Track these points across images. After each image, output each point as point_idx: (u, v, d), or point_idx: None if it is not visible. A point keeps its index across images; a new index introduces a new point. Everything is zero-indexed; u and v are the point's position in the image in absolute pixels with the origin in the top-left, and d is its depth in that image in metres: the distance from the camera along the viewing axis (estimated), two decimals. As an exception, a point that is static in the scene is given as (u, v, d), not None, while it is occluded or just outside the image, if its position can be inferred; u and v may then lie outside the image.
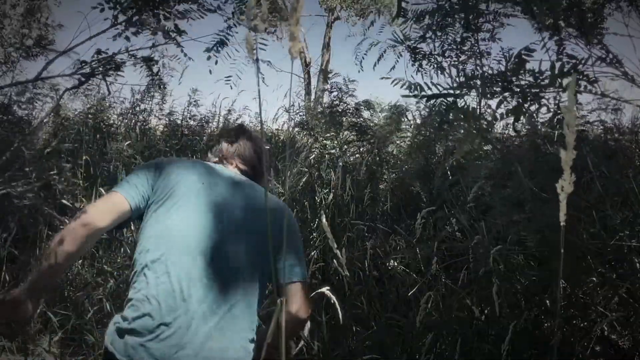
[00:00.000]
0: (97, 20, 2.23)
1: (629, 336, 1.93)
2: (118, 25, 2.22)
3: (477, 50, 2.33)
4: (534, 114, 1.79)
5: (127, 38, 2.25)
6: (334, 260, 3.18)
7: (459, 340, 1.98)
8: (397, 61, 2.65)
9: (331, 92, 5.35)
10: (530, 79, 1.67)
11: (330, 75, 5.51)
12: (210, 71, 2.56)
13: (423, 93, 1.72)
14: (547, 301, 2.22)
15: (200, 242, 1.21)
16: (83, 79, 2.39)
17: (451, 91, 1.72)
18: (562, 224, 0.54)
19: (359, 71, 3.31)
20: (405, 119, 5.43)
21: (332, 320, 2.66)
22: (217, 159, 1.49)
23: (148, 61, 2.50)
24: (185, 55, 2.64)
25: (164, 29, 2.27)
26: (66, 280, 3.09)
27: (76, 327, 2.70)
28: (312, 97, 10.51)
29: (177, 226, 1.21)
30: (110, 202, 1.24)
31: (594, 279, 2.15)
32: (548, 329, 2.14)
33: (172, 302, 1.14)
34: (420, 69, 2.57)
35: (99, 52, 2.32)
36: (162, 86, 2.69)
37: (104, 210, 1.21)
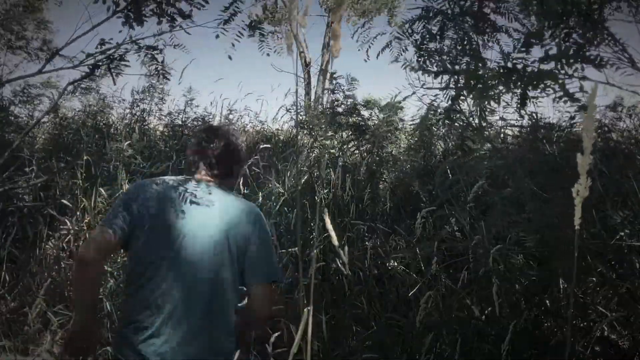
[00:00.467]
0: (99, 11, 2.21)
1: (629, 336, 1.93)
2: (120, 13, 2.19)
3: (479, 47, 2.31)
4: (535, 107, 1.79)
5: (132, 26, 2.22)
6: (337, 260, 3.19)
7: (459, 340, 1.98)
8: (401, 54, 2.63)
9: (334, 93, 5.36)
10: (536, 65, 1.67)
11: (335, 76, 5.53)
12: (229, 57, 2.61)
13: (430, 69, 1.73)
14: (547, 301, 2.22)
15: (174, 261, 1.38)
16: (88, 71, 2.37)
17: (457, 67, 1.73)
18: (576, 227, 0.54)
19: (365, 60, 3.26)
20: (402, 114, 5.44)
21: (332, 320, 2.66)
22: (190, 172, 1.59)
23: (153, 49, 2.48)
24: (172, 47, 2.60)
25: (167, 13, 2.24)
26: (66, 280, 3.09)
27: (76, 327, 2.70)
28: (312, 97, 10.51)
29: (154, 249, 1.39)
30: (99, 238, 1.42)
31: (594, 279, 2.14)
32: (548, 329, 2.14)
33: (153, 312, 1.35)
34: (424, 65, 2.55)
35: (102, 42, 2.30)
36: (166, 76, 2.67)
37: (96, 248, 1.40)
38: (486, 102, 1.96)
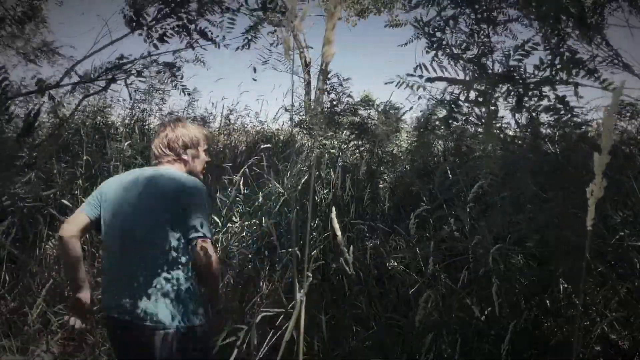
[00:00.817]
0: (118, 26, 2.22)
1: (629, 336, 1.93)
2: (141, 30, 2.20)
3: (487, 43, 2.29)
4: (535, 110, 1.79)
5: (155, 46, 2.24)
6: (340, 259, 3.19)
7: (459, 340, 1.98)
8: (412, 40, 2.61)
9: (329, 93, 5.37)
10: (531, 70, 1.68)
11: (329, 76, 5.54)
12: (254, 79, 2.65)
13: (427, 75, 1.73)
14: (547, 301, 2.22)
15: (114, 232, 1.74)
16: (104, 85, 2.38)
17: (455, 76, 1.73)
18: (588, 228, 0.54)
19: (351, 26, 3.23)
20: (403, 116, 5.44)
21: (332, 320, 2.66)
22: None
23: (171, 67, 2.49)
24: (204, 64, 2.63)
25: (190, 33, 2.26)
26: (66, 280, 3.09)
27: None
28: (312, 97, 10.50)
29: (107, 226, 1.77)
30: (73, 218, 1.77)
31: (593, 279, 2.14)
32: (548, 329, 2.14)
33: (106, 274, 1.82)
34: (435, 58, 2.52)
35: (121, 57, 2.31)
36: (185, 92, 2.68)
37: (70, 226, 1.74)
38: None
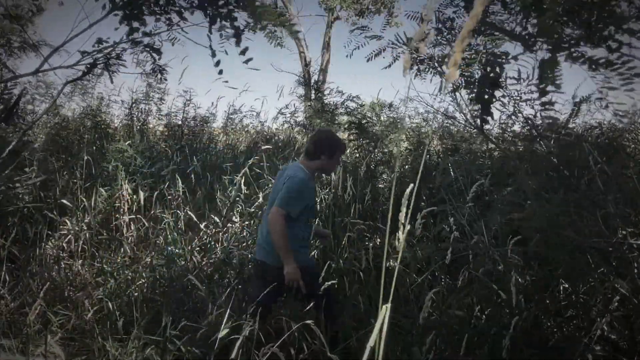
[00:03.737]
0: (96, 10, 2.19)
1: (629, 336, 1.93)
2: (117, 11, 2.16)
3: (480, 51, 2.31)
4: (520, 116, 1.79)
5: (131, 25, 2.20)
6: (340, 261, 3.19)
7: (459, 340, 1.98)
8: (394, 61, 2.62)
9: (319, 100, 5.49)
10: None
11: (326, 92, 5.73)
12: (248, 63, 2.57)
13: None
14: (548, 301, 2.22)
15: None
16: (85, 70, 2.35)
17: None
18: None
19: (347, 55, 3.17)
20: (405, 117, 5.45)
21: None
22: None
23: (150, 48, 2.46)
24: (174, 43, 2.57)
25: (166, 11, 2.22)
26: (66, 280, 3.09)
27: (76, 327, 2.70)
28: (312, 96, 10.49)
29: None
30: None
31: (593, 279, 2.14)
32: (548, 329, 2.14)
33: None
34: (418, 72, 2.56)
35: (99, 41, 2.28)
36: (162, 73, 2.65)
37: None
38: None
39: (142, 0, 2.12)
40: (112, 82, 2.78)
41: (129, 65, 2.62)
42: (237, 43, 2.11)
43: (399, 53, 2.50)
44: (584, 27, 1.46)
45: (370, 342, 0.62)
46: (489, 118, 1.89)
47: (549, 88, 1.45)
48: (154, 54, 2.47)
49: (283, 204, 2.39)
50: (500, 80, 1.87)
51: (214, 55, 2.20)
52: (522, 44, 1.66)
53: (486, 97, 1.81)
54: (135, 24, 2.19)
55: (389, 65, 2.64)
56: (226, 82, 2.28)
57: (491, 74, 1.82)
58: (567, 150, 2.32)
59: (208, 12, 2.14)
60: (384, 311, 0.60)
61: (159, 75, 2.68)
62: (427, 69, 2.52)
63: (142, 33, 2.27)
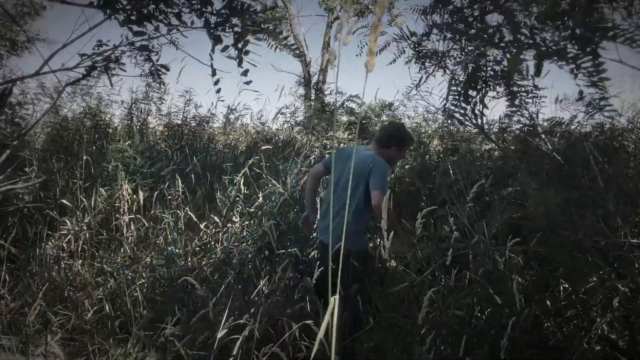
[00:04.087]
0: (97, 13, 2.19)
1: (629, 336, 1.93)
2: (117, 15, 2.16)
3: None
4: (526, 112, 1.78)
5: (131, 29, 2.19)
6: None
7: (459, 340, 1.97)
8: (399, 56, 2.62)
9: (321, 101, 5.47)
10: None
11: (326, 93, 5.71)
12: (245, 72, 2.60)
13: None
14: (548, 301, 2.22)
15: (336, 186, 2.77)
16: (85, 72, 2.35)
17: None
18: None
19: (357, 55, 3.33)
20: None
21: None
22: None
23: (147, 50, 2.46)
24: (177, 47, 2.59)
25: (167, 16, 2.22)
26: (66, 280, 3.09)
27: (76, 327, 2.70)
28: (312, 96, 10.49)
29: (334, 180, 2.80)
30: (314, 168, 2.88)
31: (594, 278, 2.14)
32: (548, 329, 2.14)
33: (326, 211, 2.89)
34: (422, 67, 2.54)
35: (99, 44, 2.28)
36: (160, 74, 2.66)
37: (312, 171, 3.02)
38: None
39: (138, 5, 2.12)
40: (111, 85, 2.78)
41: (129, 67, 2.62)
42: (239, 64, 2.09)
43: (403, 47, 2.50)
44: (569, 34, 1.46)
45: (320, 334, 0.63)
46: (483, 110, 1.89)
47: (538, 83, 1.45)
48: (152, 57, 2.47)
49: (384, 187, 2.51)
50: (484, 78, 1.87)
51: (214, 74, 2.19)
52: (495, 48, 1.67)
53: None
54: (137, 28, 2.18)
55: (394, 61, 2.64)
56: (249, 82, 2.23)
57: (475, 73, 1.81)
58: (571, 149, 2.32)
59: (205, 15, 2.14)
60: (333, 302, 0.61)
61: (158, 78, 2.67)
62: (426, 63, 2.50)
63: (137, 33, 2.26)
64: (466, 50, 2.06)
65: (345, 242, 2.26)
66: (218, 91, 2.24)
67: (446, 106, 1.92)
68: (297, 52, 2.17)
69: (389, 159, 2.73)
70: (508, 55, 1.64)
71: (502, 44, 1.64)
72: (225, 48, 2.07)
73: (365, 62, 0.55)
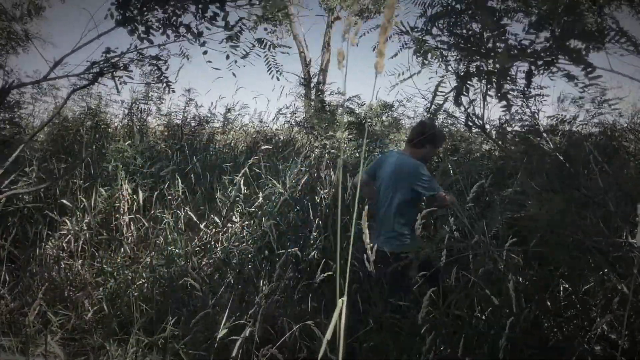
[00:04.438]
0: (105, 20, 2.21)
1: (629, 336, 1.93)
2: (126, 24, 2.19)
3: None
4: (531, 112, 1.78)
5: (140, 38, 2.22)
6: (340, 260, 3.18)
7: (459, 340, 1.97)
8: (401, 50, 2.63)
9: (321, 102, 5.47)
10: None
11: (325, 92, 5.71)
12: (234, 74, 2.70)
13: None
14: (548, 301, 2.22)
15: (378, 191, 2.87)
16: (92, 79, 2.37)
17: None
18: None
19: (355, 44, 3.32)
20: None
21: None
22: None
23: (156, 60, 2.48)
24: (188, 58, 2.64)
25: (176, 27, 2.26)
26: (66, 280, 3.09)
27: (76, 327, 2.70)
28: (312, 96, 10.50)
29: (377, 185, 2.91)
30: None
31: (594, 278, 2.14)
32: (548, 329, 2.14)
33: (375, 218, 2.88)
34: (425, 61, 2.53)
35: (108, 50, 2.30)
36: (169, 85, 2.68)
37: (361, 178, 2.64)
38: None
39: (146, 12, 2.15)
40: (118, 91, 2.78)
41: (134, 72, 2.65)
42: (226, 28, 2.20)
43: (406, 41, 2.49)
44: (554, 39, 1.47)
45: (327, 336, 0.63)
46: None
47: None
48: (160, 66, 2.50)
49: (438, 187, 2.68)
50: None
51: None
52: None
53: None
54: (144, 36, 2.22)
55: (395, 55, 2.63)
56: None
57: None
58: (572, 148, 2.32)
59: None
60: (341, 304, 0.61)
61: (168, 89, 2.70)
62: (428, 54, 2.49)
63: (142, 38, 2.29)
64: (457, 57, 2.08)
65: (391, 245, 2.63)
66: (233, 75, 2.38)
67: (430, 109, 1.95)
68: (287, 16, 2.24)
69: (424, 158, 2.83)
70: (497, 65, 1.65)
71: (492, 54, 1.65)
72: (214, 16, 2.17)
73: (375, 64, 0.54)
